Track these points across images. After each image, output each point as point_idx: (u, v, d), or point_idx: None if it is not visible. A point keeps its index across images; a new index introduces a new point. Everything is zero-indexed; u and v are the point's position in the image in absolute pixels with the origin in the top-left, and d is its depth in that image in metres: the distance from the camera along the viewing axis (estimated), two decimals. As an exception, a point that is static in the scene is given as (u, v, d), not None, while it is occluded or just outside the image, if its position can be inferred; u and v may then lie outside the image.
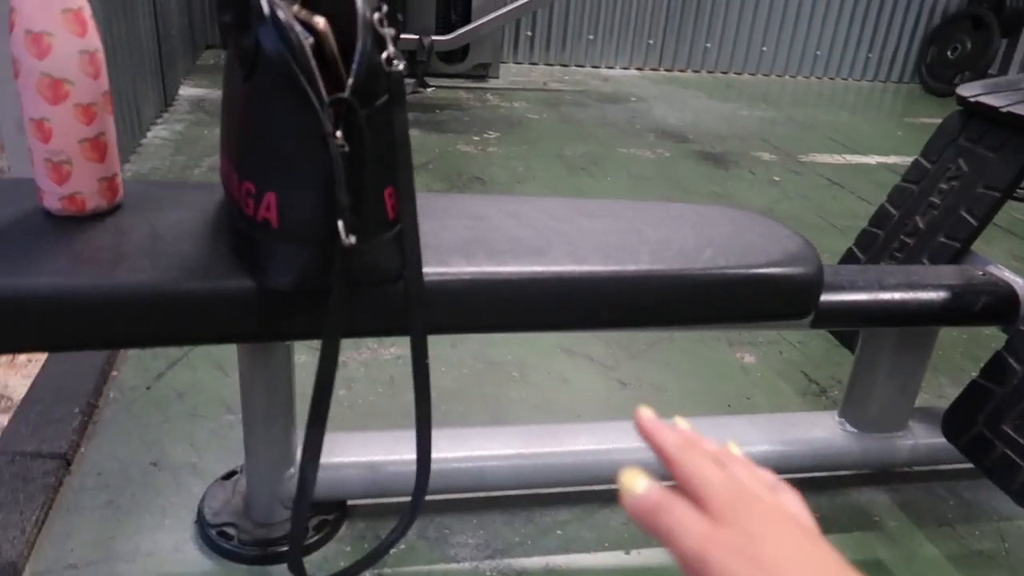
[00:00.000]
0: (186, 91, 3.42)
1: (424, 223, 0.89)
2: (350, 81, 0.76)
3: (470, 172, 2.83)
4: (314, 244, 0.80)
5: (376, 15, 0.77)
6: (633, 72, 4.73)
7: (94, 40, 0.88)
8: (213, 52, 4.08)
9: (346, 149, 0.76)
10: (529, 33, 4.55)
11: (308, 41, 0.75)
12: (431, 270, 0.89)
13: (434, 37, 3.69)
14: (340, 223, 0.75)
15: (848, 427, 1.31)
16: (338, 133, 0.75)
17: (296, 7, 0.79)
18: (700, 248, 1.01)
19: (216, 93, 3.40)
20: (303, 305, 0.85)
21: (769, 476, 0.43)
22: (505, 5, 3.72)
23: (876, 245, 1.39)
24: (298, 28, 0.74)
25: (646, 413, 0.46)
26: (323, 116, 0.74)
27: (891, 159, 3.45)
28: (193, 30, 3.76)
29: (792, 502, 0.41)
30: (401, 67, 0.80)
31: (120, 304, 0.82)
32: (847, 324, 1.18)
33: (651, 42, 4.74)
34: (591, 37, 4.65)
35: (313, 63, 0.74)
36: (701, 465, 0.42)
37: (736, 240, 1.04)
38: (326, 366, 0.81)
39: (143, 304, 0.82)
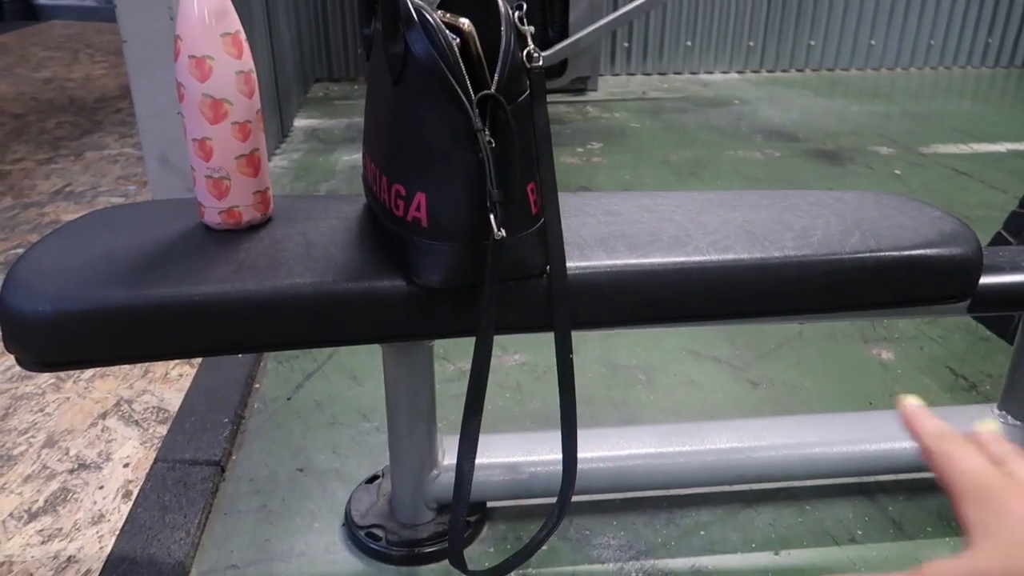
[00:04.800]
0: (300, 122, 3.58)
1: (562, 220, 0.89)
2: (495, 78, 0.78)
3: (577, 183, 2.83)
4: (463, 241, 0.82)
5: (517, 13, 0.79)
6: (734, 76, 4.63)
7: (248, 61, 0.94)
8: (322, 85, 4.26)
9: (493, 145, 0.78)
10: (626, 44, 4.54)
11: (455, 42, 0.77)
12: (573, 264, 0.90)
13: (533, 54, 3.73)
14: (492, 216, 0.77)
15: (1011, 420, 1.22)
16: (486, 129, 0.77)
17: (440, 12, 0.82)
18: (847, 232, 0.97)
19: (327, 123, 3.55)
20: (452, 302, 0.87)
21: None
22: (601, 18, 3.73)
23: (1030, 227, 1.30)
24: (445, 30, 0.77)
25: (911, 402, 0.43)
26: (472, 113, 0.76)
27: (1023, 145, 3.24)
28: (304, 65, 3.94)
29: None
30: (541, 63, 0.82)
31: (281, 307, 0.86)
32: (1009, 308, 1.11)
33: (751, 44, 4.64)
34: (688, 44, 4.60)
35: (460, 62, 0.77)
36: (956, 452, 0.37)
37: (884, 223, 1.00)
38: (480, 359, 0.83)
39: (302, 306, 0.86)
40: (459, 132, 0.78)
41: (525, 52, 0.80)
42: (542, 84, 0.82)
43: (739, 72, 4.70)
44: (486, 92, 0.77)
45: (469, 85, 0.77)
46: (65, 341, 0.84)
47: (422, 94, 0.79)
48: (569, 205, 1.05)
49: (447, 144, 0.79)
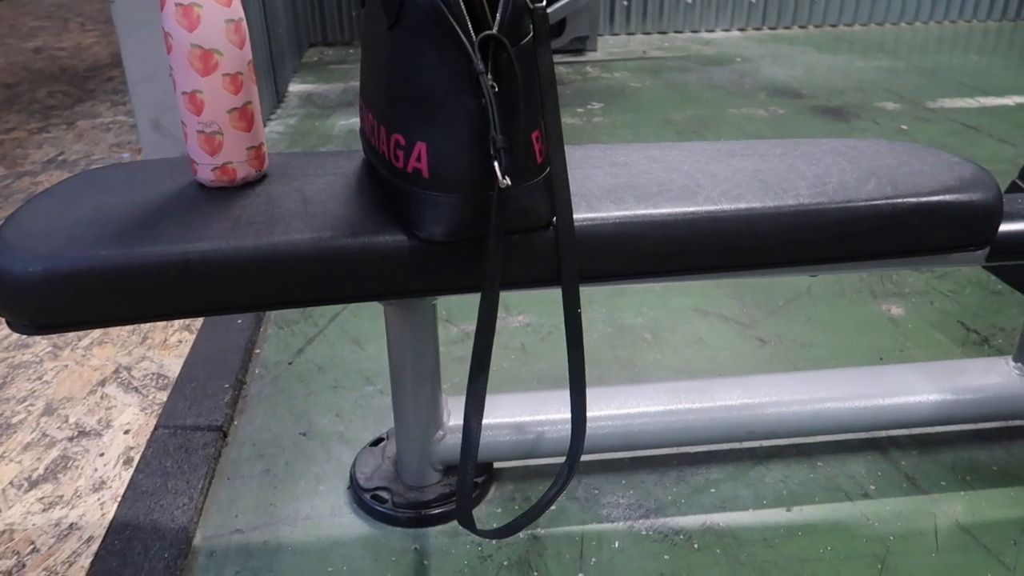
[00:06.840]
0: (295, 87, 3.52)
1: (568, 171, 0.86)
2: (497, 19, 0.74)
3: (579, 143, 2.78)
4: (466, 191, 0.79)
5: (519, -51, 0.75)
6: (736, 34, 4.55)
7: (238, 9, 0.90)
8: (316, 50, 4.18)
9: (496, 89, 0.74)
10: (625, 3, 4.45)
11: (454, -20, 0.73)
12: (580, 216, 0.87)
13: (531, 13, 3.65)
14: (496, 164, 0.73)
15: (1026, 373, 1.20)
16: (488, 73, 0.74)
17: (438, -51, 0.77)
18: (863, 179, 0.94)
19: (323, 88, 3.49)
20: (456, 256, 0.84)
21: None
22: (601, -26, 3.64)
23: (1046, 175, 1.27)
24: (443, -32, 0.73)
25: None
26: (474, 55, 0.72)
27: (1032, 99, 3.19)
28: (298, 29, 3.87)
29: None
30: (544, 3, 0.78)
31: (279, 264, 0.83)
32: (1029, 256, 1.08)
33: (753, 1, 4.55)
34: (689, 1, 4.51)
35: (460, 2, 0.73)
36: None
37: (901, 169, 0.97)
38: (486, 314, 0.80)
39: (300, 263, 0.83)
40: (460, 76, 0.74)
41: (528, -9, 0.76)
42: (546, 26, 0.79)
43: (740, 30, 4.61)
44: (488, 33, 0.73)
45: (470, 26, 0.73)
46: (56, 302, 0.82)
47: (420, 37, 0.75)
48: (574, 157, 1.02)
49: (447, 89, 0.75)
